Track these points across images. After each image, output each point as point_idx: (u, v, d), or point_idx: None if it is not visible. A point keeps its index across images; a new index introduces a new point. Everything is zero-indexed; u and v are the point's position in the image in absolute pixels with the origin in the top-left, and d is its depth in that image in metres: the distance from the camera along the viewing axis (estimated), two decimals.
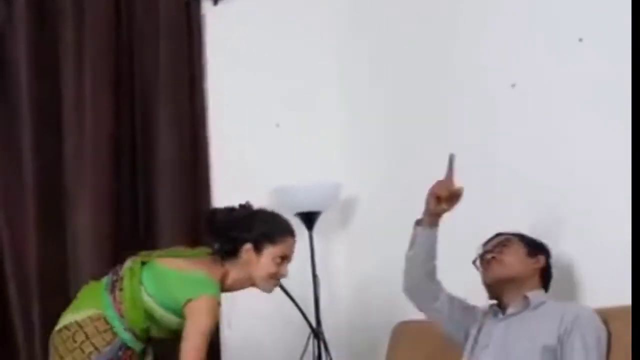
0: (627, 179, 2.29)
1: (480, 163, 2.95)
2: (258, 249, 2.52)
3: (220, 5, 3.30)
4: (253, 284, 2.56)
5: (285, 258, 2.56)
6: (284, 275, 2.58)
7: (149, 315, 2.41)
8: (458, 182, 2.48)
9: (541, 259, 2.47)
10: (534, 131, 2.87)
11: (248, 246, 2.52)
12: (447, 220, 2.56)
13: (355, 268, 3.47)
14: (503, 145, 2.96)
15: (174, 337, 2.41)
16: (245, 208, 2.61)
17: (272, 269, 2.53)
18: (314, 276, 3.28)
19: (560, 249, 2.59)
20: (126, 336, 2.39)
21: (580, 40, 2.75)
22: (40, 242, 2.88)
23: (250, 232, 2.53)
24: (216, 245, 2.57)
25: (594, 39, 2.72)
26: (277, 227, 2.58)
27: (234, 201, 3.17)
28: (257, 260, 2.52)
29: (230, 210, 2.60)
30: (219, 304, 2.42)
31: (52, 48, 2.96)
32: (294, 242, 2.61)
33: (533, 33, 2.89)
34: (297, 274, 3.16)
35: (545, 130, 2.84)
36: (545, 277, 2.49)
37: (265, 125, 3.37)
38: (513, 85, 2.96)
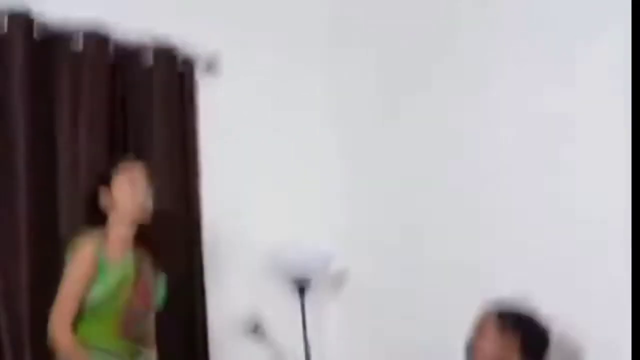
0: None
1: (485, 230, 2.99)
2: (110, 186, 2.61)
3: (212, 74, 3.34)
4: (125, 219, 2.60)
5: (135, 182, 2.62)
6: (141, 198, 2.61)
7: None
8: None
9: (517, 334, 2.43)
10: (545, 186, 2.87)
11: (102, 189, 2.61)
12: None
13: (347, 336, 3.42)
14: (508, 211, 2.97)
15: None
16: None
17: (128, 192, 2.59)
18: (306, 345, 3.24)
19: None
20: None
21: None
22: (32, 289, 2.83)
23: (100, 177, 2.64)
24: None
25: None
26: (118, 160, 2.69)
27: (227, 262, 3.18)
28: (115, 195, 2.60)
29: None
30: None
31: (49, 110, 2.97)
32: (141, 170, 2.66)
33: None
34: (289, 339, 3.17)
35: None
36: (529, 351, 2.43)
37: (260, 189, 3.37)
38: None
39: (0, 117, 2.86)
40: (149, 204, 2.64)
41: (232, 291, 3.25)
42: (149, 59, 3.18)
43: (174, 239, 3.10)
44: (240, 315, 3.15)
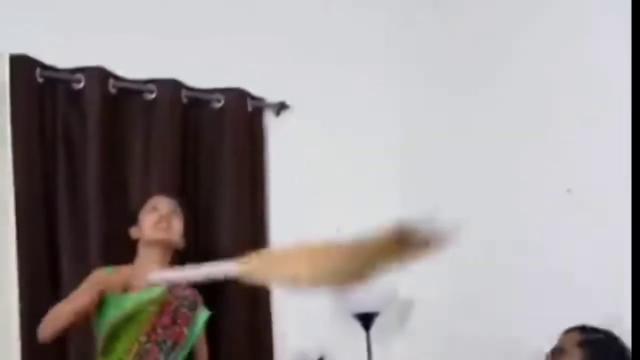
0: None
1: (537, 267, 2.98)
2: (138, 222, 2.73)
3: (282, 116, 3.45)
4: (148, 243, 2.69)
5: (155, 208, 2.73)
6: (161, 214, 2.71)
7: None
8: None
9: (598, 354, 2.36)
10: (589, 236, 2.87)
11: (133, 228, 2.74)
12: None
13: None
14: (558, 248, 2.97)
15: None
16: None
17: (147, 218, 2.71)
18: None
19: None
20: None
21: None
22: None
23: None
24: None
25: None
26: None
27: (293, 303, 3.26)
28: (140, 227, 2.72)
29: None
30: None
31: (120, 158, 3.09)
32: (166, 199, 2.78)
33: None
34: None
35: (600, 234, 2.84)
36: None
37: (326, 229, 3.43)
38: (569, 190, 3.00)
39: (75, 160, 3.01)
40: (179, 230, 2.74)
41: (298, 325, 3.32)
42: (220, 101, 3.30)
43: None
44: (306, 350, 3.24)
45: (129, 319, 2.56)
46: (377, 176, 3.58)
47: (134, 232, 2.74)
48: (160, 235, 2.69)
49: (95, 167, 2.97)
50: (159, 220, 2.70)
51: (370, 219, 3.43)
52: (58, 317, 2.49)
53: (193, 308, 2.73)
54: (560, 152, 3.01)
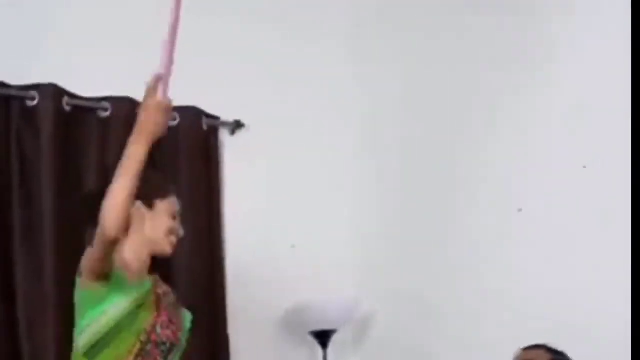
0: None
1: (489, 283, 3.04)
2: (149, 205, 2.33)
3: (237, 134, 3.47)
4: (151, 247, 2.36)
5: (176, 216, 2.41)
6: (181, 235, 2.42)
7: None
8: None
9: None
10: (539, 254, 2.95)
11: (137, 204, 2.27)
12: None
13: None
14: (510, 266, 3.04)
15: None
16: None
17: (168, 224, 2.37)
18: None
19: None
20: None
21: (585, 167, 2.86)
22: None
23: None
24: None
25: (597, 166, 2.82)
26: (163, 182, 2.48)
27: (250, 318, 3.24)
28: (150, 217, 2.33)
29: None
30: None
31: (75, 175, 3.07)
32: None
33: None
34: None
35: (550, 252, 2.92)
36: None
37: (281, 246, 3.47)
38: (520, 210, 3.07)
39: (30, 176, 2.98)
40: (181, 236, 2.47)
41: (253, 344, 3.33)
42: (176, 119, 3.27)
43: (197, 295, 3.19)
44: None
45: (132, 313, 2.27)
46: (331, 194, 3.61)
47: (136, 212, 2.29)
48: (169, 250, 2.42)
49: (49, 183, 2.95)
50: (175, 236, 2.41)
51: (325, 236, 3.53)
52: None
53: (178, 305, 2.48)
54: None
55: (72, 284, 2.61)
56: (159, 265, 2.97)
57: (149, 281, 2.38)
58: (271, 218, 3.46)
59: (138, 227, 2.33)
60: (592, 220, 2.82)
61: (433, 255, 3.36)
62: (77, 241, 2.96)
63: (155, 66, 3.24)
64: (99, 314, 2.24)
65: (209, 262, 3.30)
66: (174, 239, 2.41)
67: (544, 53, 3.03)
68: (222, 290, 3.32)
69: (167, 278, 3.04)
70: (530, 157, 3.05)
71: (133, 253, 2.32)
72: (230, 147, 3.44)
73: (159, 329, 2.33)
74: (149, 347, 2.30)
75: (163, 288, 2.44)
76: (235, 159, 3.43)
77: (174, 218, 2.41)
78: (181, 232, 2.44)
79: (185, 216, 3.17)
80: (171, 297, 2.45)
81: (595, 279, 2.77)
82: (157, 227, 2.36)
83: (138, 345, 2.28)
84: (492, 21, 3.19)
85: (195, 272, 3.23)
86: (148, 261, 2.38)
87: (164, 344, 2.34)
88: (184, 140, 3.30)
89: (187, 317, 2.48)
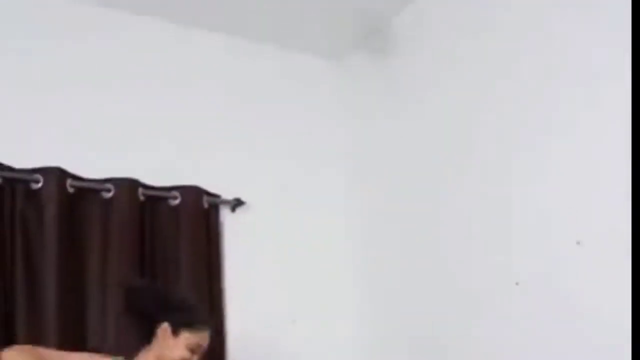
0: None
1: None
2: (175, 332, 2.63)
3: (237, 212, 3.53)
4: None
5: (199, 348, 2.65)
6: None
7: None
8: None
9: None
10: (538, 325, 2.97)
11: (165, 326, 2.62)
12: None
13: None
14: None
15: None
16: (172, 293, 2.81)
17: (184, 355, 2.61)
18: None
19: None
20: None
21: (578, 243, 2.89)
22: None
23: (173, 314, 2.64)
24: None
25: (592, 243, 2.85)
26: (197, 314, 2.70)
27: None
28: (172, 344, 2.61)
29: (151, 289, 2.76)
30: None
31: (78, 254, 3.11)
32: (209, 334, 2.69)
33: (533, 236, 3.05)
34: None
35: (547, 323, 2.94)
36: None
37: (282, 322, 3.50)
38: (517, 283, 3.09)
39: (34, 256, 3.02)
40: None
41: None
42: (177, 199, 3.36)
43: None
44: None
45: None
46: (332, 270, 3.67)
47: (163, 335, 2.64)
48: None
49: (53, 262, 3.00)
50: None
51: (325, 312, 3.56)
52: None
53: None
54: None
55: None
56: None
57: None
58: (272, 293, 3.51)
59: (157, 345, 2.64)
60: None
61: (433, 333, 3.37)
62: (79, 323, 3.02)
63: (155, 146, 3.37)
64: None
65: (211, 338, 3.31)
66: None
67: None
68: None
69: None
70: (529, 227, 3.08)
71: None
72: (230, 224, 3.50)
73: None
74: None
75: None
76: (236, 236, 3.48)
77: (193, 351, 2.64)
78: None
79: (187, 292, 3.26)
80: None
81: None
82: (172, 354, 2.62)
83: None
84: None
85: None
86: None
87: None
88: (185, 219, 3.36)
89: None
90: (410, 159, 3.58)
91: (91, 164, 3.19)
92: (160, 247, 3.31)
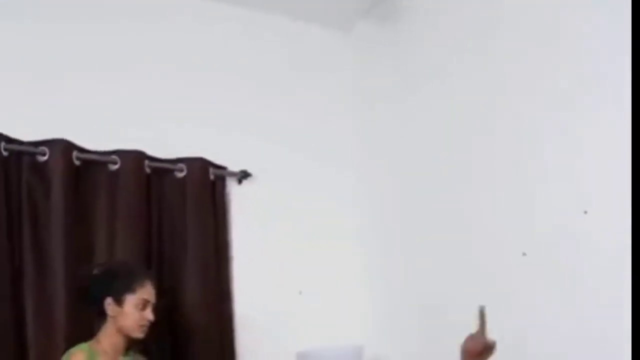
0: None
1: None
2: (119, 301, 2.72)
3: (244, 184, 3.54)
4: (125, 334, 2.73)
5: (147, 303, 2.75)
6: (150, 320, 2.75)
7: None
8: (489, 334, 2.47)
9: None
10: (541, 298, 2.97)
11: (109, 300, 2.72)
12: None
13: None
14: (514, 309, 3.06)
15: None
16: (102, 266, 2.84)
17: (136, 316, 2.72)
18: None
19: None
20: None
21: (585, 212, 2.88)
22: None
23: (109, 288, 2.73)
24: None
25: (598, 211, 2.84)
26: (132, 276, 2.78)
27: None
28: (121, 311, 2.72)
29: (89, 272, 2.81)
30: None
31: (85, 227, 3.13)
32: (152, 285, 2.79)
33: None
34: None
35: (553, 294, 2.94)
36: None
37: (289, 293, 3.52)
38: (524, 254, 3.09)
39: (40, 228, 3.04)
40: (151, 321, 2.77)
41: None
42: (183, 171, 3.37)
43: (206, 340, 3.25)
44: None
45: None
46: (340, 240, 3.67)
47: (111, 309, 2.74)
48: (141, 336, 2.77)
49: (60, 234, 3.01)
50: (146, 323, 2.76)
51: (332, 283, 3.57)
52: None
53: None
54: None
55: (81, 338, 2.72)
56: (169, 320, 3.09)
57: (131, 354, 2.77)
58: (279, 265, 3.52)
59: (112, 320, 2.73)
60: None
61: (442, 301, 3.37)
62: None
63: (162, 118, 3.38)
64: None
65: (217, 309, 3.33)
66: (145, 328, 2.76)
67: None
68: (231, 337, 3.36)
69: (175, 323, 3.12)
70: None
71: (108, 343, 2.73)
72: (237, 196, 3.50)
73: None
74: None
75: None
76: (243, 208, 3.49)
77: (144, 307, 2.75)
78: (151, 317, 2.75)
79: (194, 263, 3.28)
80: None
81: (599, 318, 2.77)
82: (126, 320, 2.73)
83: None
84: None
85: (204, 318, 3.26)
86: (123, 344, 2.76)
87: None
88: (191, 191, 3.37)
89: None
90: (421, 134, 3.56)
91: (98, 137, 3.20)
92: (167, 219, 3.32)
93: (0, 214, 2.94)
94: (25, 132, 3.06)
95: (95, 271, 2.82)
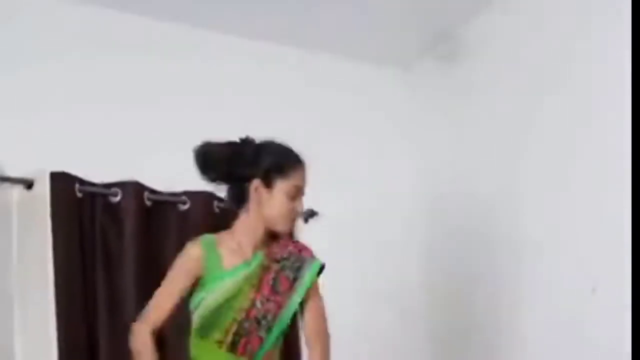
0: None
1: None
2: (268, 184, 2.30)
3: (310, 222, 3.57)
4: (269, 226, 2.32)
5: (299, 191, 2.32)
6: (300, 212, 2.35)
7: None
8: None
9: None
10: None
11: (257, 183, 2.29)
12: None
13: None
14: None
15: None
16: (246, 141, 2.35)
17: (286, 205, 2.30)
18: None
19: None
20: None
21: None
22: None
23: (257, 166, 2.29)
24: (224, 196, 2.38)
25: None
26: (285, 157, 2.33)
27: None
28: (269, 197, 2.29)
29: (228, 144, 2.34)
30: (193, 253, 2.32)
31: (156, 266, 3.08)
32: (305, 171, 2.34)
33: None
34: None
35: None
36: None
37: None
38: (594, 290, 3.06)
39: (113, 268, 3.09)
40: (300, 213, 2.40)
41: None
42: None
43: None
44: None
45: (228, 298, 2.29)
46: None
47: (259, 193, 2.29)
48: (286, 230, 2.37)
49: (132, 274, 3.07)
50: (295, 216, 2.36)
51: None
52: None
53: (297, 268, 2.36)
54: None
55: None
56: None
57: (259, 255, 2.35)
58: None
59: (254, 206, 2.31)
60: None
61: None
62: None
63: None
64: (199, 299, 2.31)
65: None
66: (292, 219, 2.35)
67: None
68: None
69: None
70: None
71: (244, 236, 2.33)
72: (303, 233, 3.49)
73: (258, 304, 2.31)
74: (247, 324, 2.30)
75: (280, 255, 2.38)
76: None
77: (294, 198, 2.32)
78: (300, 208, 2.34)
79: None
80: (289, 263, 2.37)
81: None
82: (273, 209, 2.30)
83: (235, 324, 2.29)
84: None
85: None
86: (264, 237, 2.36)
87: (265, 317, 2.30)
88: None
89: (308, 273, 2.36)
90: (475, 177, 3.62)
91: (165, 178, 3.24)
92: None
93: (75, 255, 2.99)
94: (97, 174, 3.12)
95: (236, 145, 2.34)
